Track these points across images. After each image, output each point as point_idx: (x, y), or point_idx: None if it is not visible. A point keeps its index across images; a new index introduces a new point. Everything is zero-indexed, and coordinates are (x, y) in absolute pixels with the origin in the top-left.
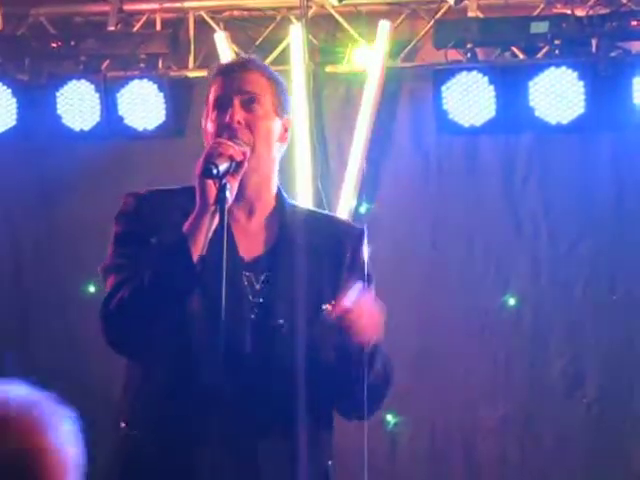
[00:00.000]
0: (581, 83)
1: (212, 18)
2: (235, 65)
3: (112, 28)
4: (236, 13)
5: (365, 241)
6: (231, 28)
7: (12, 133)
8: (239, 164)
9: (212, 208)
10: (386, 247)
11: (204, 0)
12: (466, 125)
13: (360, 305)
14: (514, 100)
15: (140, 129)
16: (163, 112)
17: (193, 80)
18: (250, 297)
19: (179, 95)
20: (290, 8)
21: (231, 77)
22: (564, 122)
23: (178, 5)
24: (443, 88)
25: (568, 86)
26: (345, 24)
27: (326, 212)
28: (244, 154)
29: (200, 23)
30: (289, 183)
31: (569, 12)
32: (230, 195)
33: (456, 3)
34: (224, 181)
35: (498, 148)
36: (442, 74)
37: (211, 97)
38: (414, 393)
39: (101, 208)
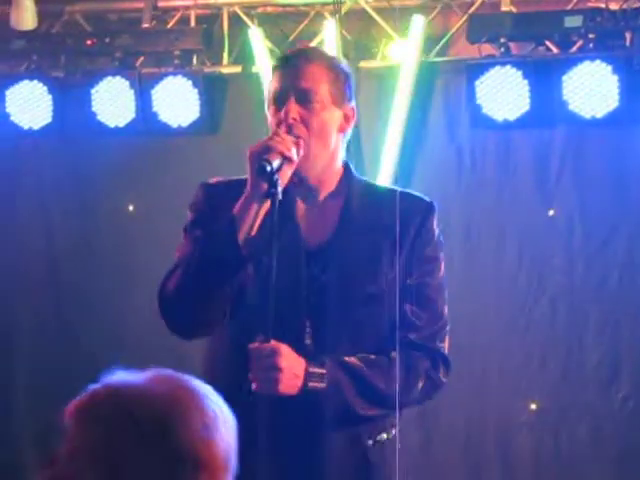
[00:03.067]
0: (615, 77)
1: (246, 14)
2: (293, 58)
3: (146, 25)
4: (270, 9)
5: (435, 214)
6: (265, 24)
7: (48, 130)
8: (290, 159)
9: (261, 195)
10: None
11: None
12: (500, 120)
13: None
14: (548, 94)
15: (175, 125)
16: (197, 108)
17: (227, 76)
18: (311, 283)
19: (213, 91)
20: (324, 4)
21: (288, 71)
22: (598, 116)
23: (212, 1)
24: (477, 82)
25: (602, 80)
26: (379, 19)
27: (395, 187)
28: (297, 148)
29: (234, 19)
30: None
31: (603, 6)
32: (280, 189)
33: None
34: (275, 177)
35: (532, 142)
36: (476, 68)
37: (270, 90)
38: (448, 387)
39: (136, 204)
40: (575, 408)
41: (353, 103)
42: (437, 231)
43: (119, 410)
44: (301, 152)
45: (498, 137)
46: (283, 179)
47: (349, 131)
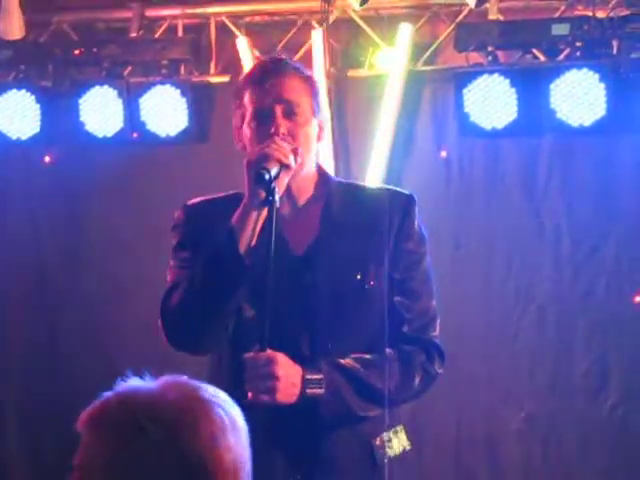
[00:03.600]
0: (602, 85)
1: (233, 23)
2: (271, 70)
3: (134, 34)
4: (257, 18)
5: (416, 206)
6: (252, 33)
7: (36, 139)
8: (287, 167)
9: (260, 203)
10: None
11: (225, 5)
12: (488, 128)
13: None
14: (535, 102)
15: (163, 135)
16: (186, 117)
17: (215, 85)
18: (303, 289)
19: (201, 100)
20: (311, 12)
21: (270, 84)
22: (586, 124)
23: (199, 11)
24: (465, 91)
25: (590, 88)
26: (366, 28)
27: (372, 185)
28: (295, 156)
29: (221, 28)
30: None
31: (590, 14)
32: (278, 197)
33: (477, 6)
34: (273, 185)
35: (520, 150)
36: (463, 77)
37: (248, 102)
38: (438, 394)
39: (124, 213)
40: (564, 416)
41: (324, 112)
42: (418, 223)
43: (129, 418)
44: (299, 160)
45: (486, 145)
46: (280, 187)
47: (323, 139)
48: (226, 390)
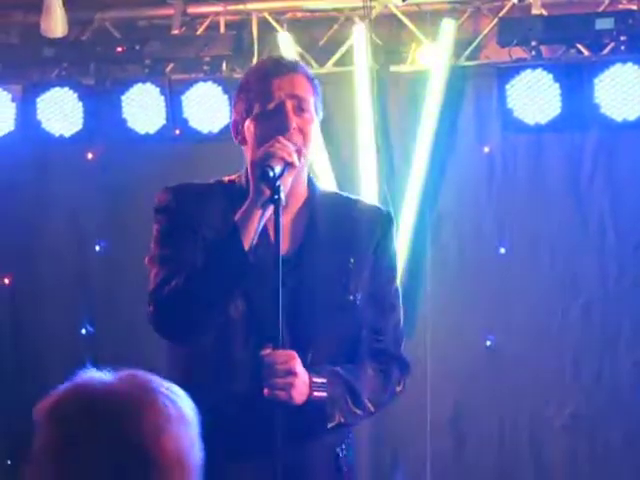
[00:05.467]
0: None
1: (275, 19)
2: (284, 67)
3: (176, 31)
4: (299, 14)
5: (394, 224)
6: (294, 29)
7: (79, 137)
8: (292, 165)
9: (264, 201)
10: (451, 247)
11: (267, 2)
12: (531, 123)
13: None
14: (579, 97)
15: (205, 131)
16: (228, 114)
17: None
18: (286, 293)
19: None
20: (353, 8)
21: (282, 79)
22: (630, 119)
23: (241, 7)
24: (507, 86)
25: (634, 82)
26: (409, 23)
27: (354, 197)
28: (298, 155)
29: (263, 25)
30: (354, 184)
31: (635, 7)
32: (283, 195)
33: (520, 1)
34: (278, 182)
35: (563, 146)
36: (506, 72)
37: (258, 98)
38: (482, 393)
39: None
40: (610, 413)
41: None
42: (394, 241)
43: (81, 408)
44: (302, 160)
45: (529, 141)
46: (285, 185)
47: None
48: (210, 384)
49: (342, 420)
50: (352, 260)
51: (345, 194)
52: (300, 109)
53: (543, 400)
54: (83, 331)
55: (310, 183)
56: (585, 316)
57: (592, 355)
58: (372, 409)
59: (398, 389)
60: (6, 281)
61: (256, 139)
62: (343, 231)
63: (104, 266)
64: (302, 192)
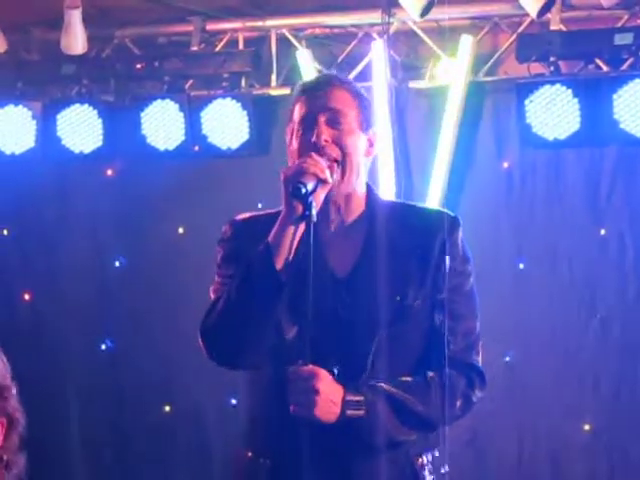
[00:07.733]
0: None
1: (294, 36)
2: (319, 83)
3: (195, 48)
4: (318, 31)
5: (460, 227)
6: (313, 45)
7: (98, 153)
8: (324, 181)
9: (297, 218)
10: None
11: (286, 18)
12: (550, 139)
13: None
14: (598, 113)
15: (224, 148)
16: (247, 130)
17: (276, 98)
18: (339, 310)
19: (262, 113)
20: (372, 25)
21: (315, 95)
22: None
23: (260, 24)
24: (526, 102)
25: None
26: (427, 39)
27: (415, 203)
28: (331, 171)
29: (282, 41)
30: None
31: None
32: (315, 211)
33: (539, 16)
34: (310, 199)
35: (582, 162)
36: (525, 88)
37: (296, 115)
38: (500, 409)
39: (186, 226)
40: (629, 429)
41: (375, 129)
42: (462, 244)
43: None
44: (335, 176)
45: (548, 156)
46: (317, 202)
47: (372, 158)
48: (267, 406)
49: (393, 436)
50: (412, 267)
51: (407, 202)
52: (334, 122)
53: (562, 418)
54: (103, 347)
55: (370, 194)
56: (604, 332)
57: (611, 371)
58: (434, 421)
59: (473, 398)
60: (26, 297)
61: (292, 155)
62: (402, 240)
63: (123, 282)
64: (357, 206)
